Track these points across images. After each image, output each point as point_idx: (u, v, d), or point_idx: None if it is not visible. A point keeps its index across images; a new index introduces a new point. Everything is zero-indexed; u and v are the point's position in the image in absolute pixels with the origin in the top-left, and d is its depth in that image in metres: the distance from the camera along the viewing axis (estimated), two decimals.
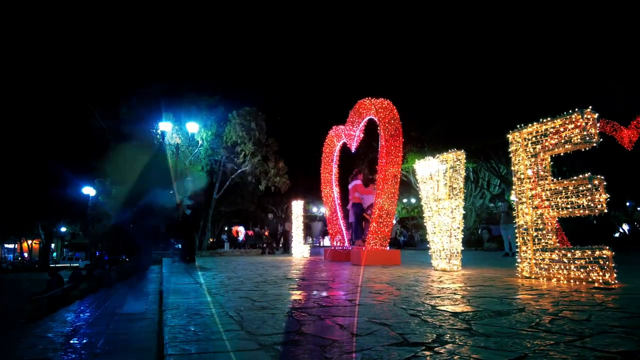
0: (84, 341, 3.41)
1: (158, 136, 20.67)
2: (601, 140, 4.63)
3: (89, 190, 27.45)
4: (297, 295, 3.92)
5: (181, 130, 20.09)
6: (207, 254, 17.08)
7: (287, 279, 5.61)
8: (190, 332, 2.25)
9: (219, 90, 23.08)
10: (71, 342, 3.42)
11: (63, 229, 46.52)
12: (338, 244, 11.03)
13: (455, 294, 3.79)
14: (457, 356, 1.77)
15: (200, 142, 21.24)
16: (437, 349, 1.89)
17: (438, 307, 3.01)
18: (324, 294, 3.98)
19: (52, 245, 47.31)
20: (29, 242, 49.48)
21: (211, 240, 28.07)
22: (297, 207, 13.71)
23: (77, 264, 38.11)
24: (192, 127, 18.47)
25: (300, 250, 13.44)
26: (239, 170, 22.47)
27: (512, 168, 5.46)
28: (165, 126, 18.77)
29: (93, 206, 27.63)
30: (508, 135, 5.52)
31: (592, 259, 4.49)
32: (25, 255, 50.54)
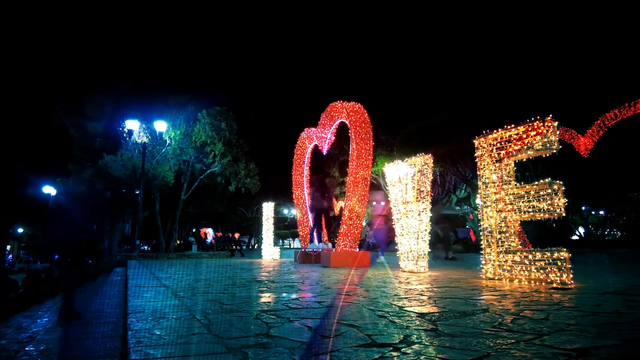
0: (41, 348, 3.24)
1: (125, 134, 20.07)
2: (560, 147, 4.86)
3: (49, 190, 26.16)
4: (266, 297, 3.90)
5: (149, 129, 19.51)
6: (175, 256, 16.68)
7: (256, 281, 5.56)
8: (156, 335, 2.19)
9: (188, 88, 22.65)
10: (26, 349, 3.25)
11: (20, 230, 44.23)
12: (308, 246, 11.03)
13: (422, 295, 3.87)
14: (424, 356, 1.81)
15: (168, 142, 20.71)
16: (404, 349, 1.92)
17: (405, 308, 3.06)
18: (293, 296, 3.97)
19: (8, 247, 44.90)
20: None
21: (178, 242, 27.40)
22: (268, 208, 13.61)
23: (36, 267, 36.30)
24: (160, 125, 17.98)
25: (270, 252, 13.34)
26: (208, 171, 22.04)
27: (478, 172, 5.63)
28: (132, 124, 18.21)
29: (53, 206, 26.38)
30: (474, 141, 5.70)
31: (551, 260, 4.70)
32: None
